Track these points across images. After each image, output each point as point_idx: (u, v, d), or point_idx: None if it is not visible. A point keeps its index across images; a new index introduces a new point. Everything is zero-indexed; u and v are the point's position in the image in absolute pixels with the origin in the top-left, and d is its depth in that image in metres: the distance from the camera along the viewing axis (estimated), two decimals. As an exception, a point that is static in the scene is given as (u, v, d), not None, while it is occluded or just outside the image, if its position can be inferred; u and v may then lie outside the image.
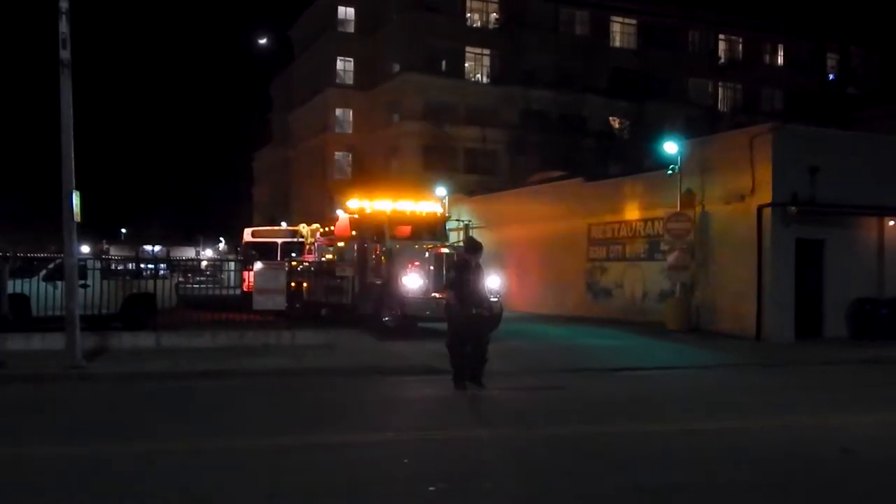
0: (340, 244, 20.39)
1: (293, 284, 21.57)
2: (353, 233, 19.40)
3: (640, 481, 6.49)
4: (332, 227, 21.55)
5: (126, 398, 10.63)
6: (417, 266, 17.50)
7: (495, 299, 11.48)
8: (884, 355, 15.86)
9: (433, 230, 19.54)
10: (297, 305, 21.13)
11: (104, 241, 52.83)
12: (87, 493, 6.02)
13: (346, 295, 19.12)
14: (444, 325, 17.78)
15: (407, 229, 19.28)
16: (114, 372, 12.27)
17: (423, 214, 19.72)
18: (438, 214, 20.10)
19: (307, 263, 22.20)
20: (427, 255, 17.74)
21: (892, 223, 19.63)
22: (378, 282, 18.22)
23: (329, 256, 21.20)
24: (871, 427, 9.01)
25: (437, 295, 17.04)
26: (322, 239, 22.65)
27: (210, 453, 7.28)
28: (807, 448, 7.81)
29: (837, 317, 19.05)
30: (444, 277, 13.78)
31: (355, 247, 19.17)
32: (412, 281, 17.28)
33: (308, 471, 6.70)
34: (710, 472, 6.83)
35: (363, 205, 19.26)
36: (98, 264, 18.86)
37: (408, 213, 19.49)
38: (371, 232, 18.75)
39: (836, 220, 18.76)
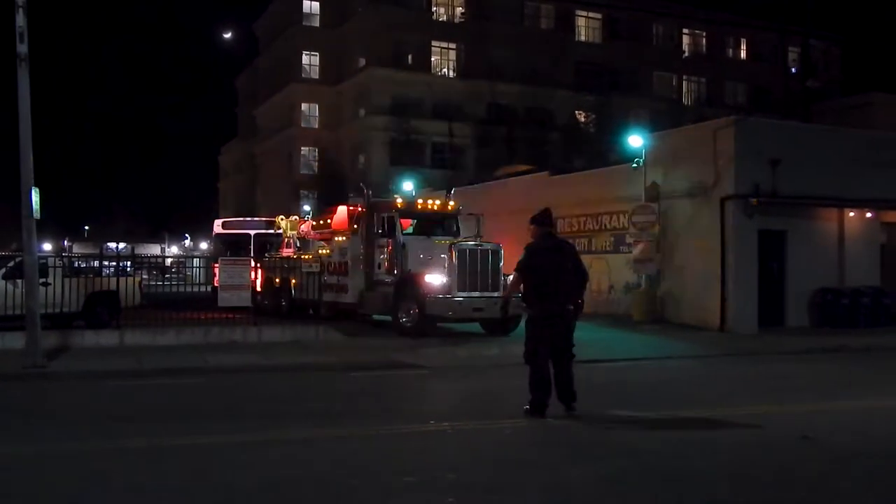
0: (339, 238, 19.31)
1: (278, 280, 20.68)
2: (355, 226, 18.41)
3: (604, 470, 6.58)
4: (329, 220, 20.14)
5: (88, 397, 10.47)
6: (438, 262, 16.55)
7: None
8: (845, 344, 16.17)
9: (444, 224, 18.53)
10: (283, 303, 20.36)
11: (66, 239, 52.03)
12: (39, 495, 5.93)
13: (346, 293, 18.06)
14: (464, 326, 17.33)
15: (417, 223, 18.37)
16: (76, 371, 12.10)
17: (435, 207, 18.73)
18: (450, 207, 18.87)
19: (295, 258, 21.11)
20: (448, 250, 16.56)
21: (852, 214, 19.99)
22: (388, 279, 17.28)
23: (323, 251, 19.95)
24: (832, 414, 9.18)
25: (460, 294, 16.14)
26: (314, 233, 21.30)
27: (172, 451, 7.20)
28: (768, 435, 7.94)
29: (800, 307, 19.40)
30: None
31: (360, 242, 18.18)
32: (435, 278, 16.19)
33: (272, 466, 6.66)
34: (667, 460, 6.91)
35: (368, 197, 18.25)
36: (60, 262, 18.53)
37: (418, 205, 18.66)
38: (380, 226, 17.64)
39: (797, 211, 19.07)
